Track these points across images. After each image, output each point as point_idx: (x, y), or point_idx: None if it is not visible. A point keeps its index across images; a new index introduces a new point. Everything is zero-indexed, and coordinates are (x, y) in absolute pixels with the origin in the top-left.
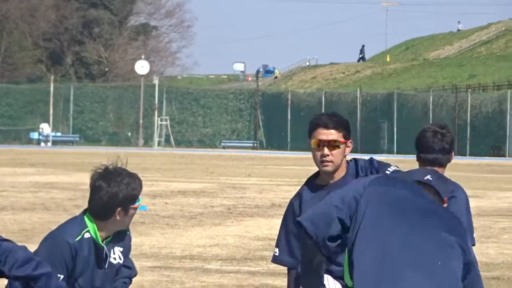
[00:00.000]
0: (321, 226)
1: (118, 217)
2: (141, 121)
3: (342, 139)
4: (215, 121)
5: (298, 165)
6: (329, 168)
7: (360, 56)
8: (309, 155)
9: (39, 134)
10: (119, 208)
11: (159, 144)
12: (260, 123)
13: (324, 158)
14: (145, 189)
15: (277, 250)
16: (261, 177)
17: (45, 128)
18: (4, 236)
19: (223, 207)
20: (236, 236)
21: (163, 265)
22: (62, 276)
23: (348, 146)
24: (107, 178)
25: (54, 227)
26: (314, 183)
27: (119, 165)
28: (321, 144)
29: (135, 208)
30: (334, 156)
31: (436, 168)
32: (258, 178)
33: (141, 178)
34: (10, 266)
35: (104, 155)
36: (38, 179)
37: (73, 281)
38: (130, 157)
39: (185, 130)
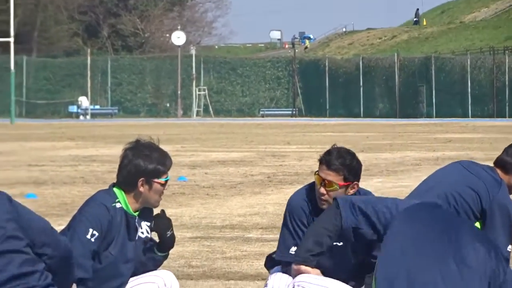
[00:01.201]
0: (355, 217)
1: (141, 189)
2: (179, 92)
3: (341, 182)
4: (253, 90)
5: (337, 132)
6: (324, 206)
7: (415, 19)
8: (348, 121)
9: (78, 107)
10: (142, 179)
11: (197, 114)
12: (298, 91)
13: (321, 197)
14: (184, 159)
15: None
16: (300, 145)
17: (84, 101)
18: (45, 210)
19: (263, 175)
20: (276, 204)
21: (203, 235)
22: (97, 234)
23: (353, 188)
24: (135, 149)
25: (85, 200)
26: (315, 209)
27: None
28: (321, 181)
29: (161, 184)
30: (330, 196)
31: None
32: (298, 146)
33: (181, 149)
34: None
35: (143, 126)
36: (77, 152)
37: (105, 247)
38: (170, 128)
39: (223, 99)
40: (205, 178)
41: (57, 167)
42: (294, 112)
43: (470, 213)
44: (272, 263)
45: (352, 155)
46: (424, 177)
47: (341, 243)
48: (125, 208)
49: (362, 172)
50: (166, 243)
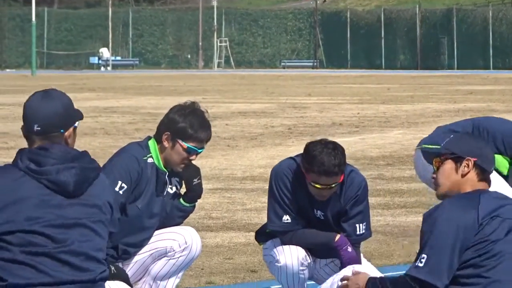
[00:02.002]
0: None
1: (165, 144)
2: (200, 43)
3: (340, 179)
4: (274, 41)
5: (358, 83)
6: (323, 199)
7: None
8: (369, 73)
9: (99, 58)
10: (167, 133)
11: (219, 65)
12: (320, 42)
13: (323, 195)
14: (203, 108)
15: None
16: (322, 96)
17: (105, 52)
18: None
19: (284, 127)
20: None
21: (224, 187)
22: (125, 187)
23: (343, 174)
24: (182, 106)
25: (115, 151)
26: (299, 181)
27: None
28: (323, 186)
29: (183, 148)
30: (330, 192)
31: None
32: (319, 97)
33: (202, 100)
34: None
35: (164, 78)
36: (98, 103)
37: (133, 200)
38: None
39: (244, 51)
40: (226, 130)
41: None
42: (315, 63)
43: None
44: (264, 236)
45: (338, 148)
46: None
47: (323, 218)
48: (156, 163)
49: (383, 124)
50: (193, 191)
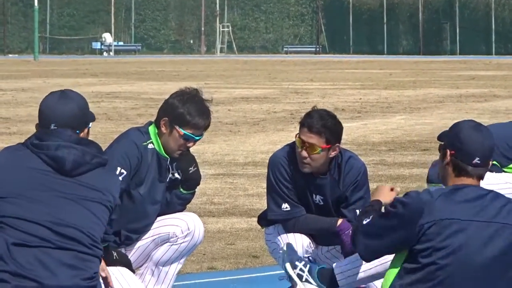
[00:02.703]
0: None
1: (163, 129)
2: (203, 28)
3: (323, 145)
4: (277, 27)
5: (360, 69)
6: (306, 170)
7: None
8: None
9: (101, 44)
10: (165, 118)
11: (221, 50)
12: (322, 28)
13: (303, 161)
14: (208, 96)
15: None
16: (324, 82)
17: (107, 37)
18: None
19: (286, 112)
20: None
21: (226, 172)
22: (125, 173)
23: (334, 150)
24: (182, 92)
25: (116, 136)
26: (295, 167)
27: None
28: (303, 145)
29: (180, 135)
30: (312, 159)
31: None
32: (321, 83)
33: (204, 85)
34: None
35: (166, 63)
36: (100, 89)
37: (134, 186)
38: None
39: (247, 36)
40: (228, 115)
41: None
42: (317, 49)
43: None
44: (267, 221)
45: (333, 117)
46: (447, 115)
47: (322, 202)
48: (157, 149)
49: (385, 109)
50: (190, 179)
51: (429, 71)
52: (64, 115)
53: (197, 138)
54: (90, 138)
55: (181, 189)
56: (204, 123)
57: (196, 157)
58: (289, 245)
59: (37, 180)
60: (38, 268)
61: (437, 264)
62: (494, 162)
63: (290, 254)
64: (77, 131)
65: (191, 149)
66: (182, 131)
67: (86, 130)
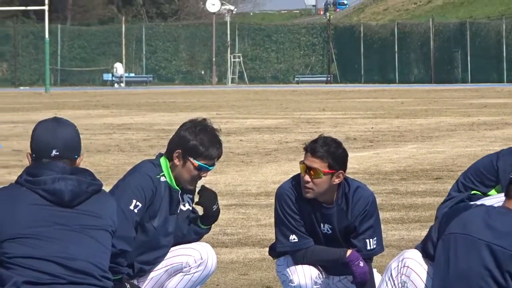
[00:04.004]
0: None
1: (176, 161)
2: (214, 59)
3: (325, 169)
4: (288, 57)
5: (372, 98)
6: (309, 195)
7: None
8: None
9: (113, 75)
10: (178, 150)
11: (232, 81)
12: (333, 57)
13: (305, 185)
14: (217, 126)
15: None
16: (335, 111)
17: (119, 67)
18: None
19: (298, 142)
20: None
21: (238, 203)
22: (140, 205)
23: (338, 177)
24: (192, 123)
25: (129, 168)
26: (302, 198)
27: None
28: (306, 169)
29: (194, 166)
30: (315, 184)
31: None
32: (333, 112)
33: (216, 116)
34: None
35: (178, 94)
36: (112, 120)
37: (148, 219)
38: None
39: (258, 66)
40: (240, 145)
41: (91, 135)
42: (329, 78)
43: None
44: (276, 252)
45: (338, 143)
46: (459, 143)
47: (330, 231)
48: (169, 181)
49: (397, 138)
50: (212, 217)
51: (440, 99)
52: (66, 140)
53: (211, 168)
54: (102, 168)
55: (201, 224)
56: (217, 153)
57: (209, 187)
58: None
59: (40, 217)
60: None
61: None
62: None
63: None
64: (76, 156)
65: (202, 180)
66: (196, 163)
67: (81, 158)
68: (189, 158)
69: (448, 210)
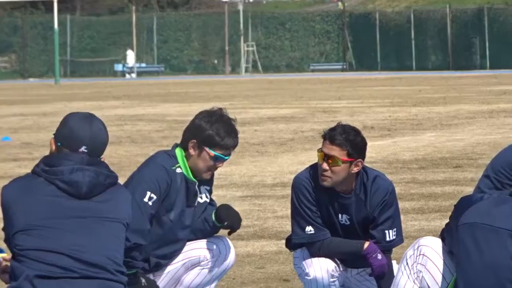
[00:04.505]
0: None
1: (191, 151)
2: (227, 48)
3: (344, 157)
4: (302, 45)
5: (389, 85)
6: (326, 183)
7: None
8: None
9: (123, 66)
10: (193, 140)
11: (246, 70)
12: (349, 44)
13: (323, 173)
14: (232, 116)
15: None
16: (352, 100)
17: (130, 54)
18: None
19: (314, 131)
20: None
21: (254, 194)
22: (154, 197)
23: (357, 166)
24: (208, 113)
25: (142, 160)
26: (319, 188)
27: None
28: (324, 157)
29: (210, 156)
30: (333, 172)
31: None
32: (349, 101)
33: (229, 106)
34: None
35: (190, 84)
36: (123, 112)
37: (164, 212)
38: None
39: (272, 55)
40: (254, 136)
41: None
42: (344, 66)
43: None
44: (293, 244)
45: (357, 131)
46: (479, 130)
47: (348, 222)
48: (185, 173)
49: (416, 126)
50: (231, 228)
51: (459, 86)
52: (98, 140)
53: (226, 158)
54: (114, 160)
55: (215, 221)
56: (233, 143)
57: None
58: None
59: (55, 208)
60: None
61: None
62: None
63: None
64: (101, 157)
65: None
66: (212, 153)
67: (104, 158)
68: (205, 148)
69: (461, 200)
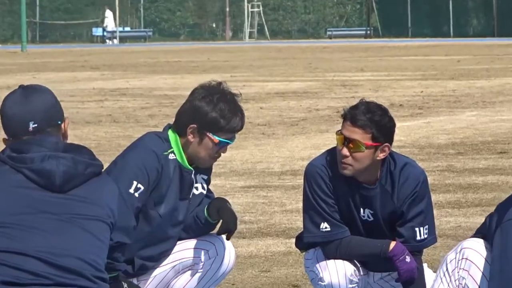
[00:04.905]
0: None
1: (190, 137)
2: (227, 9)
3: (368, 142)
4: (318, 5)
5: (421, 55)
6: (347, 172)
7: None
8: (435, 42)
9: (103, 30)
10: (193, 125)
11: (250, 36)
12: (374, 6)
13: (343, 160)
14: (234, 91)
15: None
16: (377, 72)
17: (110, 18)
18: None
19: (331, 110)
20: None
21: (258, 184)
22: (142, 188)
23: (383, 151)
24: (208, 90)
25: (125, 143)
26: (337, 177)
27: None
28: (344, 141)
29: (213, 142)
30: (355, 159)
31: None
32: (373, 73)
33: (230, 78)
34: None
35: (183, 52)
36: (103, 85)
37: (152, 205)
38: (216, 53)
39: (282, 17)
40: (260, 114)
41: (78, 103)
42: (368, 32)
43: None
44: (304, 243)
45: (384, 110)
46: None
47: (371, 218)
48: (179, 160)
49: (453, 104)
50: (230, 233)
51: (505, 56)
52: (41, 107)
53: (232, 142)
54: (93, 142)
55: (208, 217)
56: (240, 125)
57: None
58: None
59: (23, 202)
60: None
61: None
62: None
63: None
64: (59, 122)
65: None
66: (217, 138)
67: (67, 122)
68: (208, 133)
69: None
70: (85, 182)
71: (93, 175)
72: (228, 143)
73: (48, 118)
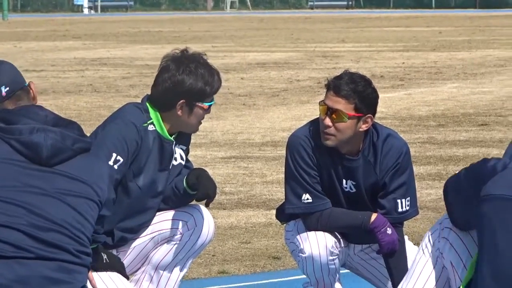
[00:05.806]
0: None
1: (179, 112)
2: None
3: (351, 112)
4: None
5: (403, 26)
6: (329, 142)
7: None
8: (416, 13)
9: None
10: (181, 101)
11: (232, 6)
12: None
13: (325, 130)
14: (215, 61)
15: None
16: (358, 43)
17: None
18: None
19: (312, 80)
20: None
21: (239, 155)
22: (121, 160)
23: (365, 122)
24: (179, 61)
25: (105, 113)
26: (320, 148)
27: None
28: (327, 110)
29: (203, 109)
30: (337, 129)
31: None
32: (354, 44)
33: (211, 49)
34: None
35: (164, 22)
36: (84, 54)
37: (131, 177)
38: (197, 23)
39: None
40: (241, 85)
41: (59, 72)
42: (350, 2)
43: None
44: (287, 215)
45: (367, 81)
46: (510, 81)
47: (354, 189)
48: (159, 131)
49: (434, 75)
50: (210, 200)
51: (487, 28)
52: (8, 73)
53: (214, 102)
54: (73, 112)
55: (187, 189)
56: (220, 85)
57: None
58: None
59: (8, 174)
60: (14, 284)
61: None
62: None
63: None
64: (25, 84)
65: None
66: (206, 105)
67: (33, 84)
68: (197, 103)
69: (483, 162)
70: (73, 157)
71: (81, 150)
72: (212, 104)
73: (16, 81)
